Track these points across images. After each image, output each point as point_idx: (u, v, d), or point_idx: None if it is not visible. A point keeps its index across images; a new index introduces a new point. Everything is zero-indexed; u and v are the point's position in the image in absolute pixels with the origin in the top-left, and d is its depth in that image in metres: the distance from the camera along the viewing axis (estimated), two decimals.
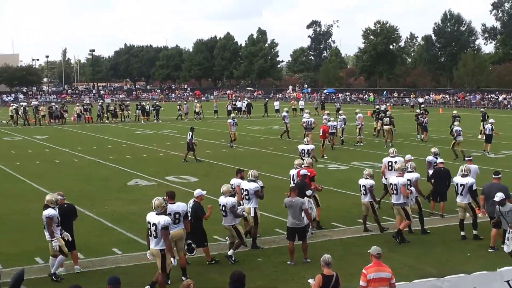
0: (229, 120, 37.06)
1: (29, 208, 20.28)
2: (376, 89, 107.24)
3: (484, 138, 33.08)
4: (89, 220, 18.64)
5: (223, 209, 14.49)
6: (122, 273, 13.36)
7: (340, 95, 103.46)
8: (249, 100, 74.91)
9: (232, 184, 16.02)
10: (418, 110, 42.39)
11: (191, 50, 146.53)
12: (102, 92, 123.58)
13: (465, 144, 32.48)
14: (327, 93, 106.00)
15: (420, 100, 76.94)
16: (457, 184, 16.34)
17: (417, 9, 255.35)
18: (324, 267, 9.74)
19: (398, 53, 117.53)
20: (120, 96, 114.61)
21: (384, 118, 37.42)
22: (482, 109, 44.75)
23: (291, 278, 13.22)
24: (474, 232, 16.16)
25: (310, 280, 9.82)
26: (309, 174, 17.25)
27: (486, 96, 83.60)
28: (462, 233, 16.23)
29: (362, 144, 36.62)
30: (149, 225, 12.10)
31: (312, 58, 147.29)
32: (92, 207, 20.29)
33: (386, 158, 20.06)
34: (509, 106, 76.41)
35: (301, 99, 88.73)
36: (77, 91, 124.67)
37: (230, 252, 14.49)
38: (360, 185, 16.64)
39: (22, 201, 21.54)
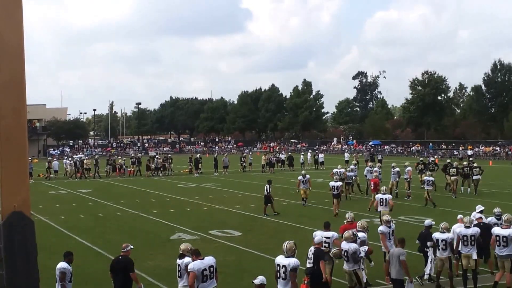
0: (299, 177, 34.83)
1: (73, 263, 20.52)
2: (423, 141, 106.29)
3: None
4: None
5: (345, 254, 15.02)
6: None
7: (386, 147, 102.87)
8: (290, 153, 75.01)
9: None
10: (465, 163, 41.82)
11: (235, 102, 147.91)
12: (146, 145, 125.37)
13: None
14: (373, 145, 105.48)
15: (469, 152, 76.08)
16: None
17: (466, 59, 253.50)
18: None
19: (447, 104, 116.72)
20: (164, 149, 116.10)
21: (451, 169, 38.08)
22: None
23: None
24: None
25: None
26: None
27: None
28: None
29: (410, 198, 36.19)
30: (278, 267, 12.66)
31: (358, 109, 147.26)
32: (135, 262, 20.33)
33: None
34: None
35: (346, 151, 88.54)
36: (122, 144, 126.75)
37: None
38: (436, 239, 16.52)
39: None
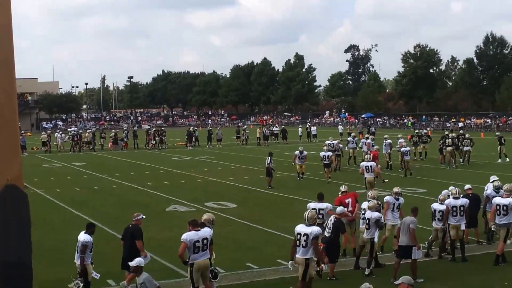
0: (296, 152, 33.93)
1: (69, 234, 20.61)
2: (416, 114, 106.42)
3: None
4: None
5: (367, 222, 15.43)
6: None
7: (378, 119, 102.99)
8: (283, 126, 74.99)
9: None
10: (453, 134, 41.82)
11: (228, 76, 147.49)
12: (139, 118, 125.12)
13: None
14: (365, 118, 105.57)
15: (460, 124, 76.32)
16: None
17: (458, 33, 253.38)
18: None
19: (439, 76, 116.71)
20: (158, 122, 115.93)
21: (447, 140, 38.45)
22: (498, 133, 44.78)
23: None
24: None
25: None
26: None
27: None
28: None
29: (402, 170, 36.29)
30: (299, 236, 12.92)
31: (350, 82, 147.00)
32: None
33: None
34: None
35: (340, 124, 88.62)
36: (115, 118, 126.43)
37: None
38: (434, 209, 16.70)
39: (62, 228, 21.88)
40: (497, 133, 45.80)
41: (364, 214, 16.09)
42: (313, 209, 15.77)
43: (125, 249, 14.20)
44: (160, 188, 31.23)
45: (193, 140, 59.75)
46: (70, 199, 28.13)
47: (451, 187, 17.88)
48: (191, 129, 63.83)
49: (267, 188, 30.28)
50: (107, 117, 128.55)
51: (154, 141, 59.14)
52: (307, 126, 74.35)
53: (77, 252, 13.43)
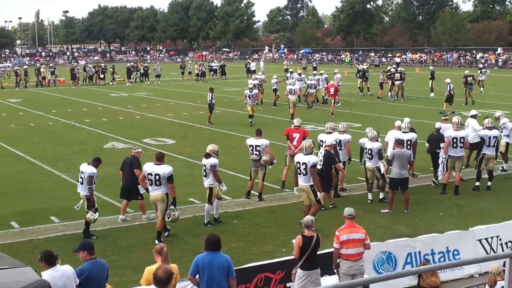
0: (246, 92, 30.96)
1: (6, 172, 20.24)
2: (353, 49, 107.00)
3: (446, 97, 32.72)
4: (66, 184, 18.60)
5: (370, 152, 15.92)
6: (97, 236, 13.47)
7: (316, 55, 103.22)
8: (222, 62, 74.32)
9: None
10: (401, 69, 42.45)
11: (166, 10, 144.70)
12: (76, 54, 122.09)
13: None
14: (304, 53, 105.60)
15: (397, 60, 77.18)
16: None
17: None
18: (305, 229, 9.83)
19: (376, 12, 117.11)
20: (95, 58, 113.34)
21: (396, 74, 39.21)
22: (430, 68, 45.69)
23: (265, 240, 13.39)
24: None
25: (293, 241, 9.94)
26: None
27: (463, 55, 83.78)
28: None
29: (339, 104, 36.64)
30: (298, 164, 13.58)
31: (289, 18, 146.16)
32: (68, 171, 20.21)
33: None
34: (486, 64, 76.80)
35: (286, 59, 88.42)
36: (51, 53, 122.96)
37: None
38: (366, 148, 16.27)
39: None
40: (430, 68, 46.71)
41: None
42: (250, 145, 15.90)
43: (124, 179, 14.73)
44: (98, 125, 30.73)
45: (142, 76, 59.14)
46: (5, 136, 27.43)
47: (397, 122, 18.12)
48: (130, 65, 62.69)
49: (206, 124, 30.18)
50: (43, 52, 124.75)
51: (103, 76, 57.93)
52: (248, 61, 73.82)
53: (82, 184, 13.67)
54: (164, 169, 13.14)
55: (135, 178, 14.23)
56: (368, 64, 75.69)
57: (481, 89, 42.87)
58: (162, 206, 13.21)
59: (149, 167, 13.27)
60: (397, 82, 39.18)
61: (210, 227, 14.06)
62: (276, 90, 37.66)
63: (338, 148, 16.54)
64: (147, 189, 13.56)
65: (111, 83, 57.24)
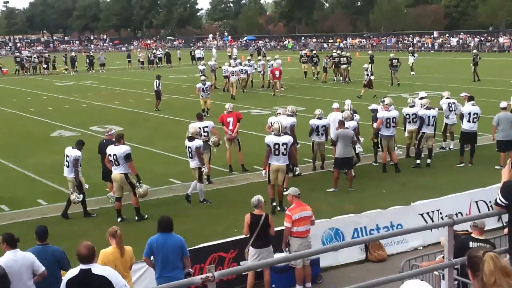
0: (198, 85, 28.48)
1: None
2: (295, 35, 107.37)
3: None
4: (14, 173, 18.30)
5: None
6: (48, 224, 13.22)
7: (260, 42, 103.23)
8: (167, 50, 73.54)
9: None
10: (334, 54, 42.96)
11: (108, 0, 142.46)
12: (19, 44, 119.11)
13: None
14: (247, 40, 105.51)
15: (341, 45, 77.97)
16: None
17: None
18: (254, 208, 9.91)
19: None
20: (38, 48, 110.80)
21: (342, 58, 39.86)
22: (369, 52, 46.51)
23: (216, 221, 13.45)
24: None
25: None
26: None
27: (401, 39, 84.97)
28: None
29: (283, 89, 36.77)
30: (277, 146, 13.59)
31: (231, 5, 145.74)
32: (16, 159, 19.83)
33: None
34: (423, 48, 78.15)
35: (235, 47, 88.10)
36: None
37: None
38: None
39: None
40: (369, 52, 47.49)
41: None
42: (198, 128, 15.85)
43: (103, 162, 14.47)
44: (44, 113, 30.17)
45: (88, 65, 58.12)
46: None
47: (347, 101, 18.33)
48: (73, 54, 61.53)
49: (154, 110, 29.95)
50: None
51: (46, 66, 56.71)
52: (192, 49, 73.19)
53: (68, 167, 13.82)
54: (120, 149, 13.34)
55: None
56: (309, 49, 76.03)
57: (412, 72, 43.57)
58: (126, 186, 13.50)
59: (109, 149, 13.50)
60: (343, 66, 39.78)
61: (207, 204, 14.51)
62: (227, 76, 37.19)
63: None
64: (111, 170, 13.68)
65: (66, 72, 56.02)
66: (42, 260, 8.04)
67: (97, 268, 6.85)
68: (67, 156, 13.84)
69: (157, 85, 30.29)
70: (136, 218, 13.53)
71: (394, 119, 17.00)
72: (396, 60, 37.99)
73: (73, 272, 6.97)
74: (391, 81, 37.84)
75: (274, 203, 13.78)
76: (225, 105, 18.67)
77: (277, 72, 34.43)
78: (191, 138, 14.51)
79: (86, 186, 14.05)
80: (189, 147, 14.46)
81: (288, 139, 13.83)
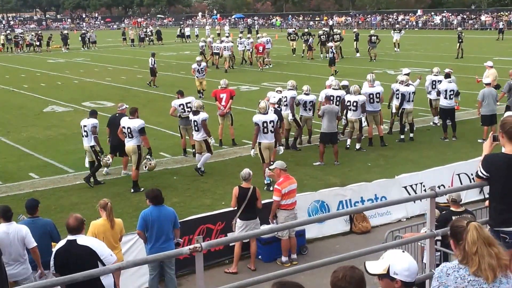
0: (194, 65, 26.66)
1: None
2: (283, 14, 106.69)
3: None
4: (6, 147, 18.11)
5: (355, 104, 16.24)
6: (40, 197, 13.09)
7: (248, 20, 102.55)
8: (158, 27, 72.77)
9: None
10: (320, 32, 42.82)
11: None
12: (12, 22, 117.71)
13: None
14: (236, 18, 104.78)
15: (330, 22, 77.49)
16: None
17: None
18: (242, 181, 9.82)
19: None
20: (31, 26, 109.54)
21: (335, 36, 40.26)
22: (355, 30, 46.48)
23: (204, 194, 13.33)
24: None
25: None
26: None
27: (386, 17, 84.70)
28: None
29: (271, 66, 36.64)
30: (265, 123, 13.49)
31: None
32: (8, 134, 19.65)
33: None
34: (407, 26, 77.87)
35: (226, 24, 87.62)
36: None
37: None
38: (351, 101, 16.42)
39: None
40: (354, 30, 47.41)
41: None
42: (180, 104, 15.85)
43: (112, 136, 14.49)
44: (37, 90, 29.86)
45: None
46: None
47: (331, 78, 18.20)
48: (65, 32, 60.89)
49: (148, 86, 29.75)
50: None
51: (39, 43, 56.19)
52: (181, 27, 72.40)
53: (86, 136, 13.98)
54: (135, 123, 13.38)
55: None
56: (297, 27, 75.63)
57: (396, 48, 44.04)
58: (135, 157, 13.48)
59: (124, 121, 13.54)
60: (336, 43, 39.38)
61: (197, 176, 14.53)
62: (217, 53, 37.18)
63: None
64: (123, 141, 13.73)
65: (64, 50, 55.28)
66: (33, 232, 7.96)
67: (82, 239, 6.90)
68: (84, 126, 13.96)
69: (153, 63, 29.92)
70: (132, 190, 13.44)
71: (377, 95, 16.94)
72: (375, 37, 38.37)
73: (60, 243, 7.04)
74: (369, 57, 38.36)
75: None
76: (220, 81, 18.53)
77: (260, 48, 35.39)
78: (195, 112, 14.44)
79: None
80: (194, 120, 14.38)
81: (274, 117, 13.70)
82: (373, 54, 38.42)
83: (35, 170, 15.36)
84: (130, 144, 13.48)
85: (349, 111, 16.54)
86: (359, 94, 16.39)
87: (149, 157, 13.65)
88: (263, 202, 10.07)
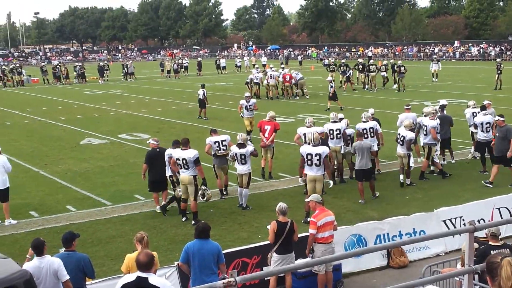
0: (241, 102, 23.88)
1: None
2: (318, 45, 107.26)
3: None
4: (43, 179, 18.46)
5: (402, 139, 16.31)
6: (76, 230, 13.34)
7: (284, 51, 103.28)
8: (187, 60, 73.04)
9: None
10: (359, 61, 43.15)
11: (136, 10, 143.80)
12: (48, 54, 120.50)
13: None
14: (272, 50, 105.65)
15: (370, 54, 77.79)
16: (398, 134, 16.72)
17: None
18: (279, 215, 9.89)
19: (338, 9, 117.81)
20: (67, 57, 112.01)
21: (371, 66, 41.39)
22: (392, 60, 47.06)
23: (241, 227, 13.43)
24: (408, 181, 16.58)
25: (268, 226, 10.00)
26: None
27: (422, 48, 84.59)
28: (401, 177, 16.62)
29: (307, 97, 37.02)
30: (310, 156, 13.50)
31: (256, 16, 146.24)
32: (46, 167, 20.05)
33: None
34: (444, 57, 77.58)
35: (263, 55, 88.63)
36: (23, 54, 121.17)
37: None
38: (400, 134, 16.52)
39: None
40: (391, 61, 47.97)
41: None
42: (215, 142, 15.66)
43: (153, 172, 14.57)
44: (73, 122, 30.47)
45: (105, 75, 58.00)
46: None
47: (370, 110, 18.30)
48: (101, 64, 61.99)
49: (180, 116, 30.13)
50: (15, 53, 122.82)
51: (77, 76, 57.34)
52: (217, 58, 73.30)
53: (187, 168, 13.64)
54: (189, 154, 13.54)
55: (164, 171, 14.53)
56: (333, 58, 75.93)
57: (434, 78, 45.39)
58: (191, 188, 13.64)
59: (177, 153, 13.71)
60: (371, 74, 40.83)
61: (243, 209, 14.64)
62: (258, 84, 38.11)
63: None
64: (178, 172, 13.90)
65: (101, 82, 56.27)
66: (67, 267, 8.08)
67: (154, 279, 6.86)
68: (184, 159, 13.48)
69: (204, 94, 29.76)
70: (193, 222, 13.37)
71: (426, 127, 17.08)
72: (403, 68, 39.63)
73: (129, 277, 7.00)
74: (397, 88, 39.45)
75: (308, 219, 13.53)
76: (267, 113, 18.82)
77: (287, 77, 37.27)
78: (241, 145, 14.68)
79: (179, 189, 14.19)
80: (242, 154, 14.59)
81: (322, 150, 13.63)
82: (402, 85, 39.03)
83: (72, 203, 15.64)
84: (186, 175, 13.58)
85: (398, 145, 16.53)
86: (410, 129, 16.36)
87: (205, 187, 13.85)
88: (299, 235, 10.12)
